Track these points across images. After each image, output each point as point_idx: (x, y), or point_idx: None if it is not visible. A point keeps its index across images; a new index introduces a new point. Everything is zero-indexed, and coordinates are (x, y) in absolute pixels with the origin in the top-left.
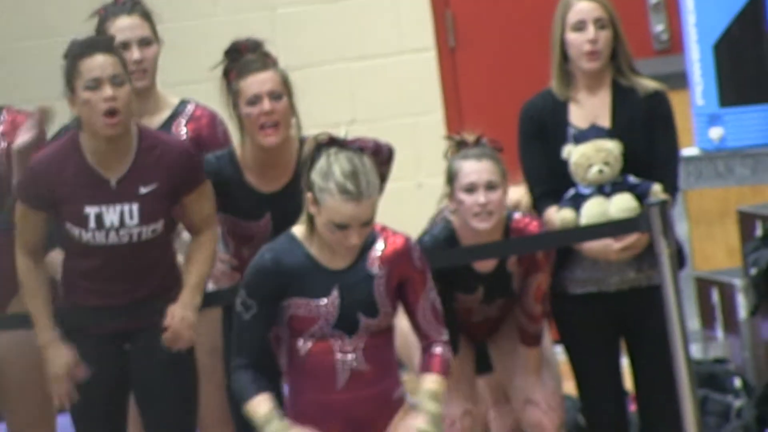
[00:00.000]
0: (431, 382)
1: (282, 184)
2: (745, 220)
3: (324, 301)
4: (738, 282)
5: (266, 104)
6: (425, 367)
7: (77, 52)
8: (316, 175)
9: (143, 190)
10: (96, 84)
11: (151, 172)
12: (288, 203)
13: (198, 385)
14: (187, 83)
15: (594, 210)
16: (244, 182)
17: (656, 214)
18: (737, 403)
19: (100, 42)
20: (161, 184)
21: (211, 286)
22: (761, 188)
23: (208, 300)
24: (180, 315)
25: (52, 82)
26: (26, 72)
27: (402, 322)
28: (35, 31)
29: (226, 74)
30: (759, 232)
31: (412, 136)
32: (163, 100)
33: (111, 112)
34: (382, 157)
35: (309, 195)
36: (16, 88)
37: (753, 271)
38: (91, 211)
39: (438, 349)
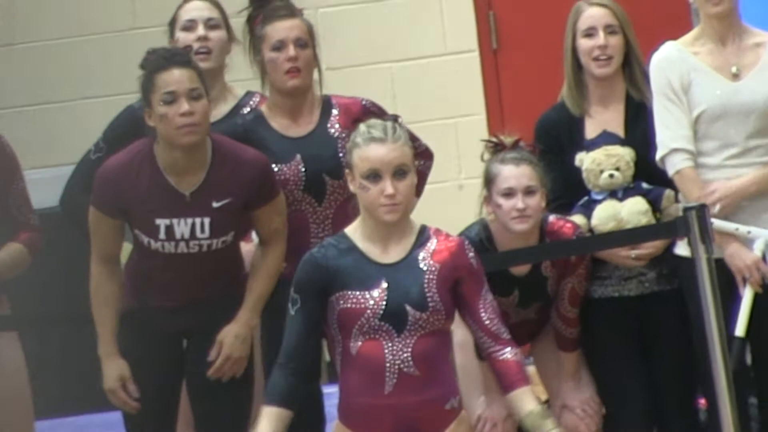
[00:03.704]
0: (530, 400)
1: (308, 129)
2: None
3: (371, 292)
4: None
5: (291, 50)
6: (510, 382)
7: (154, 66)
8: (348, 145)
9: (216, 204)
10: (172, 98)
11: (225, 186)
12: (315, 146)
13: (253, 382)
14: (234, 81)
15: (605, 212)
16: (270, 129)
17: (694, 218)
18: None
19: (177, 55)
20: (234, 199)
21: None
22: None
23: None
24: (233, 334)
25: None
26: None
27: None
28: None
29: (250, 21)
30: None
31: (454, 137)
32: (229, 91)
33: (187, 126)
34: (419, 149)
35: (347, 171)
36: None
37: None
38: (161, 222)
39: (512, 356)
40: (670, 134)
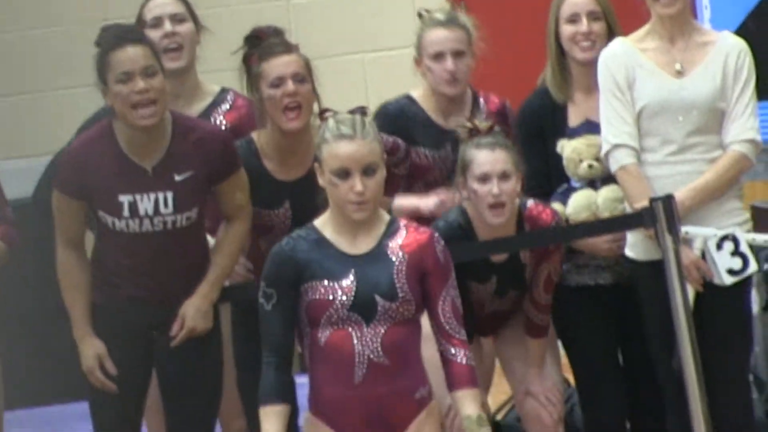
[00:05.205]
0: (471, 404)
1: (301, 172)
2: (759, 216)
3: (340, 282)
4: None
5: (290, 86)
6: (456, 381)
7: (107, 45)
8: (317, 140)
9: (178, 177)
10: (127, 77)
11: (186, 160)
12: (307, 192)
13: (222, 374)
14: (200, 72)
15: (580, 202)
16: (263, 169)
17: (661, 209)
18: None
19: (130, 33)
20: (196, 172)
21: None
22: None
23: (222, 295)
24: (194, 307)
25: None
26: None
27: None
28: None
29: (246, 60)
30: None
31: None
32: (203, 88)
33: (144, 104)
34: (399, 155)
35: (316, 165)
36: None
37: (766, 266)
38: (124, 199)
39: (462, 357)
40: (613, 130)
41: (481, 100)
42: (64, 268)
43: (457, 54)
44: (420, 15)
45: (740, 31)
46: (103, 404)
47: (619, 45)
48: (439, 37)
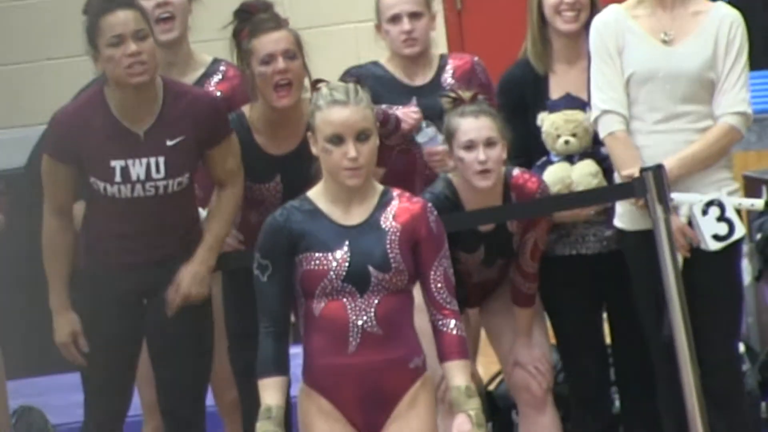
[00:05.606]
0: (461, 375)
1: (292, 146)
2: (751, 185)
3: (334, 253)
4: (744, 248)
5: (280, 63)
6: (447, 352)
7: (97, 10)
8: (310, 107)
9: (170, 142)
10: (119, 40)
11: (178, 124)
12: (298, 166)
13: (212, 342)
14: (192, 42)
15: (554, 175)
16: (253, 144)
17: (651, 179)
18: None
19: None
20: (187, 136)
21: None
22: (766, 153)
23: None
24: (191, 273)
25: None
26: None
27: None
28: None
29: (236, 34)
30: (764, 197)
31: None
32: (196, 59)
33: (136, 65)
34: (389, 126)
35: (309, 134)
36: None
37: (758, 236)
38: (116, 164)
39: (454, 328)
40: (602, 96)
41: (450, 60)
42: (48, 236)
43: (413, 15)
44: None
45: (732, 1)
46: (94, 373)
47: (612, 12)
48: None
